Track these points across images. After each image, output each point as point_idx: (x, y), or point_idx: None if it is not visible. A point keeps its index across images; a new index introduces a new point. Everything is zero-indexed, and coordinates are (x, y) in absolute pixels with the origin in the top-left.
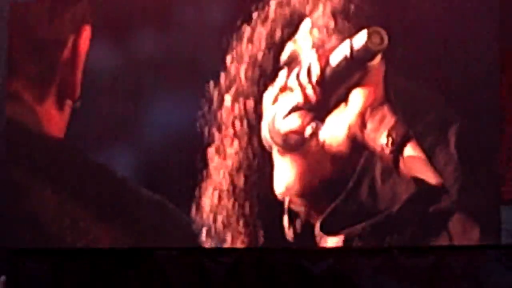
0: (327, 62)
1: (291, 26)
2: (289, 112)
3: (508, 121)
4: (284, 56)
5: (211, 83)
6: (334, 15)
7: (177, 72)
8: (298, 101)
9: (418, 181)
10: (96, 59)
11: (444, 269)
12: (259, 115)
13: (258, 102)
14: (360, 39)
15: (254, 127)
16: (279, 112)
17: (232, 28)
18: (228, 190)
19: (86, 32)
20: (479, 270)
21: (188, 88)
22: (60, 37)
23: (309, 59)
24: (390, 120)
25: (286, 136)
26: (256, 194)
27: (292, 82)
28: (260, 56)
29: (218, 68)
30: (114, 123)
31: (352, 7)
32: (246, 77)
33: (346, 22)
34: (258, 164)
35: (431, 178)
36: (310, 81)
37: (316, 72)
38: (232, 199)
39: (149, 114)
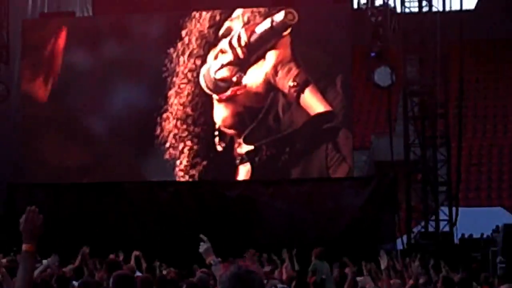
0: (253, 31)
1: (228, 11)
2: (221, 66)
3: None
4: (221, 31)
5: (172, 49)
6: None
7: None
8: (229, 59)
9: (314, 110)
10: (73, 56)
11: (316, 193)
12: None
13: (204, 61)
14: (280, 16)
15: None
16: (213, 66)
17: (185, 13)
18: (182, 119)
19: (63, 35)
20: (339, 193)
21: (156, 49)
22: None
23: (239, 29)
24: (295, 71)
25: (217, 82)
26: (201, 122)
27: (226, 45)
28: (205, 31)
29: (177, 38)
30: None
31: None
32: (196, 45)
33: (267, 8)
34: (201, 102)
35: (323, 107)
36: (239, 45)
37: (244, 38)
38: (185, 126)
39: (116, 91)
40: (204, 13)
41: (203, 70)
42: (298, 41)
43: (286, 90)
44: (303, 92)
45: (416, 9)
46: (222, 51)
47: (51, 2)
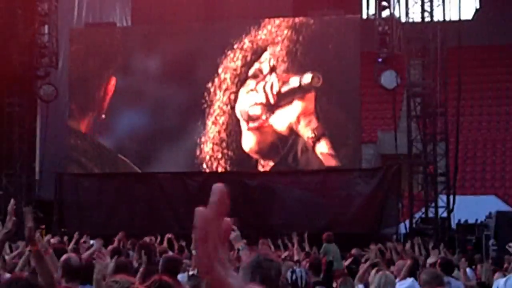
0: (284, 83)
1: (257, 54)
2: (255, 104)
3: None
4: (251, 71)
5: (210, 83)
6: (286, 52)
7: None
8: (262, 100)
9: (325, 162)
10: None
11: (329, 183)
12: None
13: (236, 96)
14: (307, 78)
15: (233, 108)
16: (247, 102)
17: (222, 52)
18: (217, 143)
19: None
20: (348, 183)
21: (194, 87)
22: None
23: (272, 78)
24: (314, 123)
25: (249, 115)
26: (233, 147)
27: (260, 88)
28: (238, 70)
29: (215, 74)
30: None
31: (297, 52)
32: (230, 81)
33: (293, 62)
34: (234, 130)
35: (332, 162)
36: (271, 91)
37: (275, 88)
38: (219, 149)
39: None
40: (238, 52)
41: (239, 105)
42: (321, 100)
43: (305, 138)
44: (319, 142)
45: (419, 19)
46: (256, 91)
47: (94, 13)
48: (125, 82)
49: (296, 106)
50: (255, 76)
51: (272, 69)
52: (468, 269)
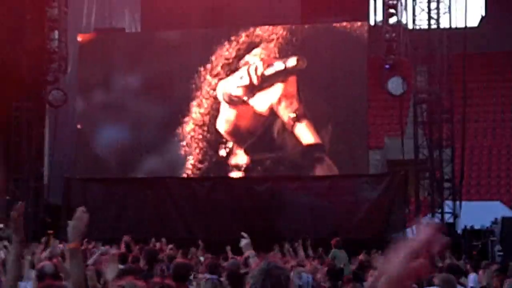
0: (269, 65)
1: (250, 48)
2: (238, 86)
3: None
4: (242, 61)
5: (202, 67)
6: (276, 46)
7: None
8: (246, 83)
9: (304, 141)
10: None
11: (336, 188)
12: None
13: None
14: (292, 61)
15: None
16: (232, 85)
17: (217, 42)
18: (199, 125)
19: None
20: (356, 188)
21: (191, 65)
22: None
23: (257, 61)
24: (295, 105)
25: (231, 97)
26: (214, 131)
27: (244, 71)
28: (230, 60)
29: (208, 60)
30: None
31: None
32: (221, 68)
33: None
34: (216, 115)
35: (313, 140)
36: (255, 73)
37: (260, 69)
38: (200, 131)
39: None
40: (234, 43)
41: (222, 85)
42: (303, 82)
43: (285, 119)
44: (299, 122)
45: (426, 26)
46: (240, 76)
47: (103, 18)
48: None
49: (278, 88)
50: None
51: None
52: (472, 275)
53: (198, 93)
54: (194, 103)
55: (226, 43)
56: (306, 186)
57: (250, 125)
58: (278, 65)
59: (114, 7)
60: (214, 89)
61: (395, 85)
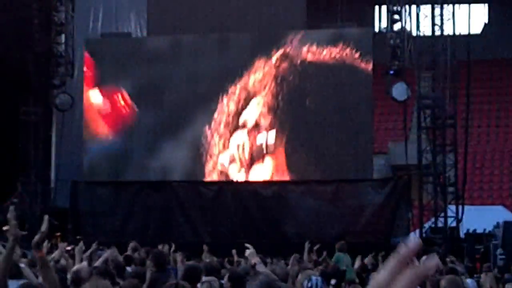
0: (253, 143)
1: (247, 100)
2: (231, 162)
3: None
4: (240, 121)
5: (207, 126)
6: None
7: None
8: (236, 158)
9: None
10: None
11: (341, 192)
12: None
13: (227, 144)
14: (271, 137)
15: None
16: (226, 159)
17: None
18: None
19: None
20: (360, 192)
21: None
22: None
23: (244, 137)
24: (287, 176)
25: (228, 173)
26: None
27: (235, 151)
28: (230, 119)
29: (211, 118)
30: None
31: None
32: (223, 128)
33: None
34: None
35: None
36: (243, 154)
37: (246, 149)
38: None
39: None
40: (231, 102)
41: (222, 159)
42: (306, 87)
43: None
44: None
45: (430, 33)
46: (230, 150)
47: (110, 23)
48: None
49: (268, 161)
50: (243, 126)
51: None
52: (469, 280)
53: (209, 153)
54: (208, 166)
55: (225, 100)
56: (312, 190)
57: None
58: (260, 140)
59: (120, 12)
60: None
61: (399, 91)
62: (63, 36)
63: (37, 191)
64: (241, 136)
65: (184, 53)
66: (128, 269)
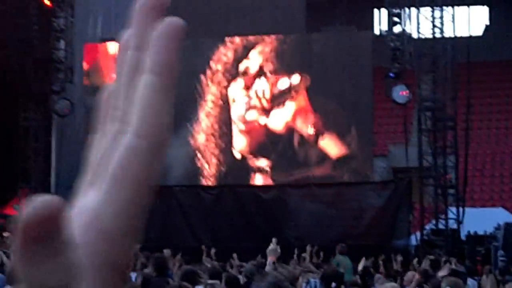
0: (274, 86)
1: (246, 50)
2: (249, 108)
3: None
4: (241, 67)
5: (202, 75)
6: (272, 52)
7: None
8: (256, 104)
9: (333, 153)
10: None
11: (341, 195)
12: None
13: (226, 90)
14: (296, 79)
15: (224, 102)
16: (243, 106)
17: (213, 46)
18: (210, 134)
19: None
20: (361, 196)
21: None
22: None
23: (264, 84)
24: (312, 118)
25: (246, 120)
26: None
27: (253, 94)
28: (229, 65)
29: (206, 66)
30: None
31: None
32: (221, 75)
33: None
34: (226, 125)
35: (338, 151)
36: (264, 97)
37: (267, 93)
38: (213, 139)
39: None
40: (229, 45)
41: (233, 110)
42: (314, 95)
43: (305, 135)
44: (321, 135)
45: (430, 35)
46: (249, 97)
47: (108, 27)
48: None
49: (290, 105)
50: (244, 73)
51: (260, 70)
52: (470, 280)
53: (202, 103)
54: (201, 113)
55: (222, 49)
56: (312, 194)
57: (268, 145)
58: (284, 83)
59: (120, 17)
60: (219, 98)
61: (399, 93)
62: (62, 42)
63: None
64: (258, 83)
65: (184, 55)
66: (131, 274)
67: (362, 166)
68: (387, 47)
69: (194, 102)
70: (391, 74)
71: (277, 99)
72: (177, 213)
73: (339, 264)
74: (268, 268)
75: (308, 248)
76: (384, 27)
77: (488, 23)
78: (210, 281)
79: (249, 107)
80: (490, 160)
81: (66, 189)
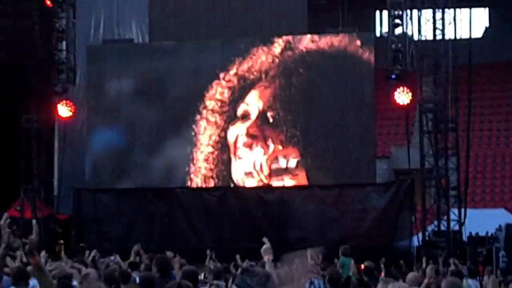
0: (273, 162)
1: (246, 90)
2: (248, 174)
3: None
4: (239, 111)
5: (198, 116)
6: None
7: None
8: (253, 173)
9: None
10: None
11: (344, 196)
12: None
13: (226, 133)
14: (293, 162)
15: (223, 145)
16: (241, 169)
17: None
18: (207, 176)
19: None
20: (363, 196)
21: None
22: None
23: (261, 157)
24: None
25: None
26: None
27: (250, 163)
28: (226, 107)
29: (200, 104)
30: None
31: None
32: (218, 116)
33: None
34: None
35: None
36: (262, 172)
37: (265, 169)
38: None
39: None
40: (223, 83)
41: (236, 167)
42: (310, 93)
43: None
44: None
45: (431, 37)
46: (249, 172)
47: (111, 29)
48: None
49: (288, 182)
50: (243, 118)
51: (260, 113)
52: (471, 280)
53: (198, 144)
54: (197, 155)
55: (216, 87)
56: (315, 195)
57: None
58: (281, 162)
59: (122, 18)
60: (217, 143)
61: (401, 95)
62: (64, 43)
63: (40, 199)
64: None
65: (186, 56)
66: (135, 275)
67: (364, 168)
68: (388, 49)
69: (195, 104)
70: (392, 76)
71: (276, 174)
72: (180, 215)
73: (345, 266)
74: (267, 266)
75: (309, 251)
76: (386, 29)
77: (488, 25)
78: (215, 282)
79: (247, 174)
80: (491, 161)
81: (68, 190)
